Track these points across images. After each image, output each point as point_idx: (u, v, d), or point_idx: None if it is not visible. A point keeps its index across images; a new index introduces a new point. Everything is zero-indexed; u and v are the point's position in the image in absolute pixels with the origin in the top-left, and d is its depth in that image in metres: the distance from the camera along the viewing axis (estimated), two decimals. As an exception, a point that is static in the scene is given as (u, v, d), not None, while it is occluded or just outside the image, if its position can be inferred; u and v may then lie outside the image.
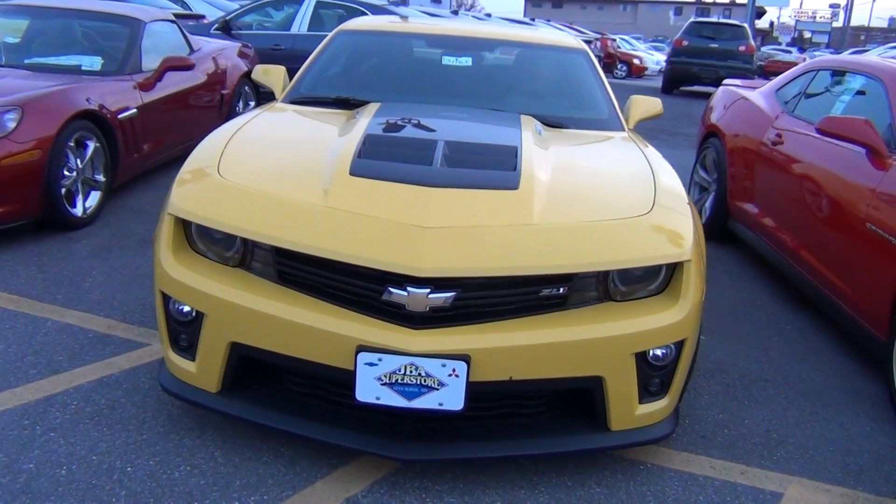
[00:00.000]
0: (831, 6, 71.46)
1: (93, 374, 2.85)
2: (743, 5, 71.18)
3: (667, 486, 2.44)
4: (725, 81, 5.87)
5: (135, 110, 4.96)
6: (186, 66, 5.54)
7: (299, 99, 3.54)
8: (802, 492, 2.47)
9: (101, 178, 4.63)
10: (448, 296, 2.17)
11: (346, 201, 2.33)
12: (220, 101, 6.40)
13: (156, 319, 2.55)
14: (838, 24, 65.55)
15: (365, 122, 2.92)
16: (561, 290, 2.29)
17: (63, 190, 4.27)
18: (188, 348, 2.47)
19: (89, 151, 4.49)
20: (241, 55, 7.12)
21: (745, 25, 16.66)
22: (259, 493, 2.26)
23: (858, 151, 3.53)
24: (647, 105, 3.78)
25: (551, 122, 3.32)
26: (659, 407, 2.44)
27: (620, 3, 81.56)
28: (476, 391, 2.19)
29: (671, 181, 2.77)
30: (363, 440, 2.28)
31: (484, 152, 2.69)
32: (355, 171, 2.44)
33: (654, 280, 2.41)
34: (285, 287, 2.31)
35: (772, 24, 68.72)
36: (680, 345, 2.40)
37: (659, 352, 2.37)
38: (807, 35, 72.03)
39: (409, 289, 2.16)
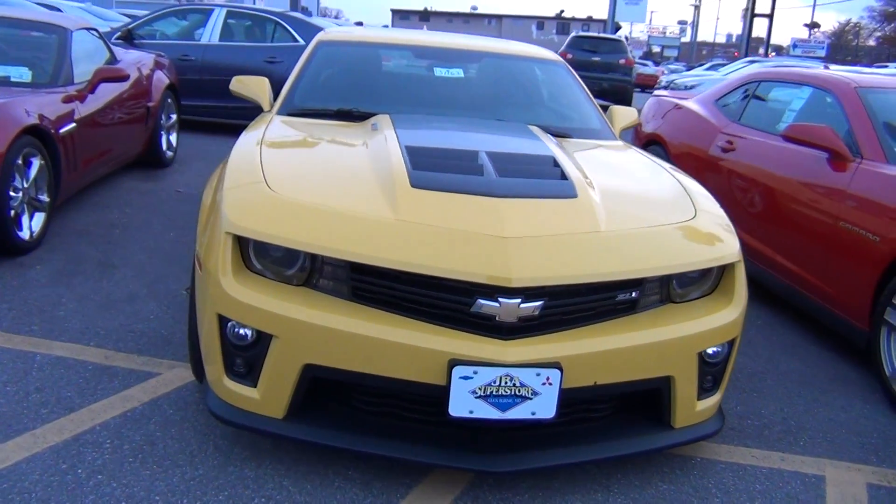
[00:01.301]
0: (680, 22, 76.46)
1: (113, 410, 2.64)
2: (599, 21, 74.93)
3: (723, 478, 2.55)
4: (656, 92, 6.18)
5: (74, 124, 4.62)
6: (121, 78, 5.23)
7: (296, 111, 3.43)
8: (840, 473, 2.65)
9: (44, 198, 4.28)
10: (537, 305, 2.18)
11: (416, 214, 2.29)
12: (146, 114, 6.06)
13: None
14: (686, 39, 70.30)
15: (391, 133, 2.87)
16: (633, 294, 2.36)
17: (11, 212, 3.92)
18: (247, 374, 2.34)
19: (34, 170, 4.14)
20: (158, 66, 6.77)
21: (623, 39, 17.56)
22: (348, 520, 2.18)
23: (820, 156, 3.83)
24: (627, 115, 3.94)
25: (554, 132, 3.39)
26: (712, 402, 2.56)
27: (485, 17, 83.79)
28: (565, 398, 2.21)
29: (697, 186, 2.90)
30: (447, 456, 2.25)
31: (526, 162, 2.72)
32: (416, 184, 2.41)
33: (707, 281, 2.52)
34: (360, 304, 2.24)
35: (626, 38, 72.70)
36: (731, 342, 2.53)
37: (715, 349, 2.48)
38: (655, 49, 76.62)
39: (500, 300, 2.15)
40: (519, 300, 2.15)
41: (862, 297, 3.36)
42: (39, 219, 4.25)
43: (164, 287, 3.82)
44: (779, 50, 40.45)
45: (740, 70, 19.51)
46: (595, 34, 17.17)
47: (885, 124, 3.76)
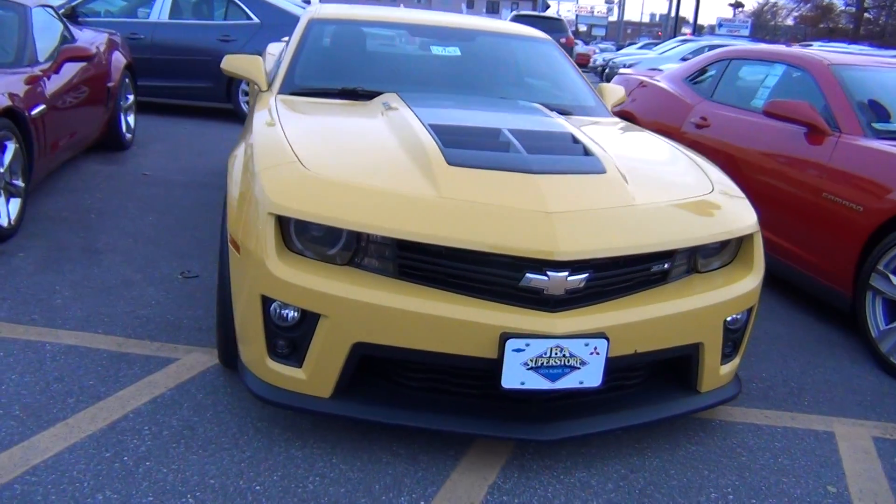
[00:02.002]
0: (607, 2, 77.58)
1: (141, 397, 2.60)
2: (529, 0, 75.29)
3: (744, 438, 2.68)
4: (621, 70, 6.31)
5: (44, 106, 4.44)
6: (86, 57, 5.04)
7: (299, 90, 3.39)
8: (846, 429, 2.82)
9: (19, 183, 4.11)
10: (582, 277, 2.25)
11: (459, 191, 2.32)
12: (107, 95, 5.86)
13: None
14: (613, 18, 71.46)
15: (408, 111, 2.89)
16: (665, 265, 2.45)
17: (-10, 198, 3.77)
18: (290, 355, 2.34)
19: (8, 154, 3.97)
20: (114, 45, 6.53)
21: (563, 19, 17.75)
22: (405, 494, 2.21)
23: (798, 131, 4.01)
24: (616, 92, 4.02)
25: (556, 110, 3.45)
26: (732, 367, 2.68)
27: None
28: (608, 367, 2.29)
29: (704, 160, 3.01)
30: (496, 426, 2.30)
31: (549, 139, 2.77)
32: (453, 161, 2.43)
33: (728, 251, 2.64)
34: (407, 282, 2.26)
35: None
36: (750, 309, 2.65)
37: (736, 316, 2.60)
38: (582, 28, 77.54)
39: (548, 273, 2.20)
40: (566, 273, 2.21)
41: (846, 265, 3.55)
42: (15, 205, 4.08)
43: (157, 272, 3.74)
44: (699, 30, 41.51)
45: (675, 49, 20.05)
46: (535, 13, 17.30)
47: (859, 100, 3.95)
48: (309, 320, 2.26)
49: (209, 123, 8.31)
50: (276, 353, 2.35)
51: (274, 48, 5.24)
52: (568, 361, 2.22)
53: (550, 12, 36.72)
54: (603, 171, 2.54)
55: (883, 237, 3.37)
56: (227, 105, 8.51)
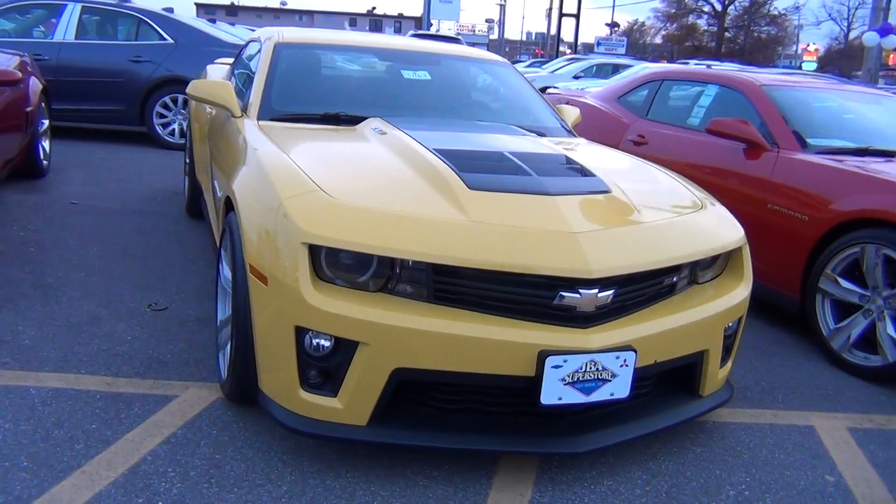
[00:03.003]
0: (487, 20, 79.53)
1: (152, 438, 2.49)
2: (411, 18, 76.10)
3: (740, 437, 2.86)
4: (549, 90, 6.54)
5: (-26, 134, 4.17)
6: (13, 81, 4.75)
7: (279, 116, 3.34)
8: (823, 421, 3.05)
9: (-45, 217, 3.84)
10: (610, 293, 2.35)
11: (486, 214, 2.38)
12: (26, 120, 5.53)
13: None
14: (494, 36, 73.28)
15: (405, 136, 2.93)
16: (674, 278, 2.59)
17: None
18: (323, 384, 2.33)
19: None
20: (25, 67, 6.17)
21: (461, 38, 18.10)
22: (452, 515, 2.23)
23: (738, 146, 4.31)
24: (571, 113, 4.19)
25: (530, 131, 3.56)
26: (726, 371, 2.85)
27: (296, 13, 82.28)
28: (634, 377, 2.39)
29: (684, 179, 3.20)
30: (532, 442, 2.37)
31: (548, 160, 2.88)
32: (473, 186, 2.49)
33: (720, 263, 2.81)
34: (442, 305, 2.29)
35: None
36: (741, 317, 2.84)
37: (730, 324, 2.77)
38: (465, 46, 78.84)
39: (580, 291, 2.29)
40: (597, 290, 2.31)
41: (794, 271, 3.84)
42: (-47, 240, 3.80)
43: (122, 306, 3.58)
44: (575, 49, 43.50)
45: (565, 67, 20.84)
46: (433, 33, 17.56)
47: (791, 117, 4.29)
48: (345, 349, 2.25)
49: (123, 148, 7.96)
50: (309, 384, 2.33)
51: (216, 71, 5.12)
52: (600, 375, 2.31)
53: (432, 31, 37.25)
54: (609, 191, 2.66)
55: (828, 244, 3.67)
56: (139, 128, 8.19)
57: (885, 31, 18.96)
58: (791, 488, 2.53)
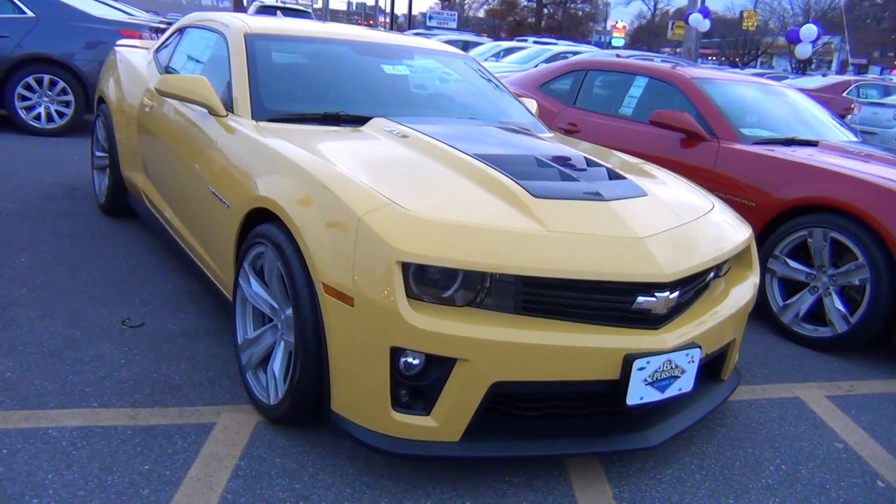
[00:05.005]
0: (312, -11, 77.52)
1: (219, 473, 2.33)
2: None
3: (750, 413, 3.11)
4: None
5: None
6: None
7: (276, 117, 3.15)
8: (805, 392, 3.39)
9: None
10: (678, 294, 2.48)
11: (559, 224, 2.41)
12: None
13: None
14: (318, 5, 71.77)
15: (430, 140, 2.89)
16: (712, 274, 2.76)
17: None
18: (413, 403, 2.28)
19: None
20: None
21: (309, 11, 17.60)
22: (555, 521, 2.28)
23: (675, 136, 4.60)
24: (532, 106, 4.27)
25: (520, 128, 3.61)
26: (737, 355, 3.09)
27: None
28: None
29: (680, 177, 3.38)
30: (612, 441, 2.45)
31: (577, 163, 2.94)
32: (537, 194, 2.51)
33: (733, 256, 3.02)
34: (530, 316, 2.31)
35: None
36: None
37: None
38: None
39: (656, 294, 2.40)
40: (668, 292, 2.43)
41: (741, 252, 4.18)
42: None
43: (92, 325, 3.26)
44: (395, 22, 43.67)
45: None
46: (281, 4, 16.90)
47: (724, 109, 4.64)
48: (441, 366, 2.22)
49: (-21, 135, 7.09)
50: (400, 404, 2.27)
51: (135, 57, 4.68)
52: (673, 372, 2.44)
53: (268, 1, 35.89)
54: (646, 194, 2.78)
55: (775, 228, 4.04)
56: (-2, 112, 7.33)
57: (705, 13, 20.71)
58: (814, 458, 2.81)
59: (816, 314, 3.94)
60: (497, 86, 4.11)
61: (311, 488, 2.30)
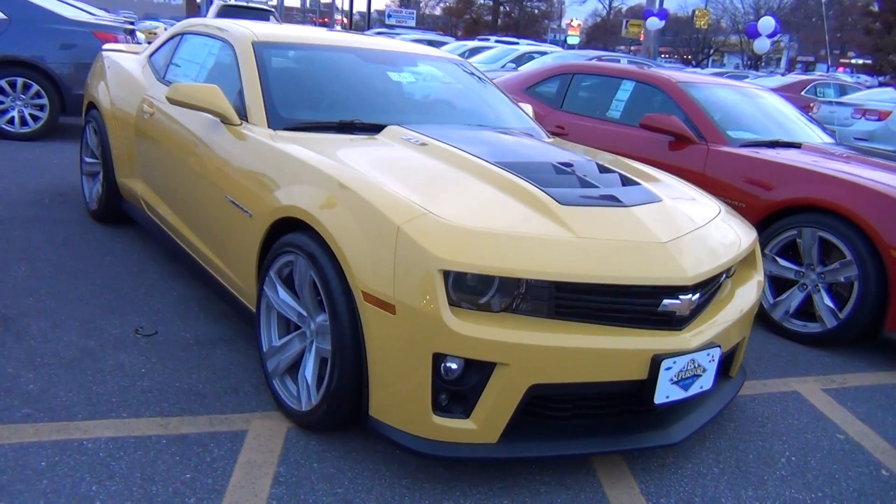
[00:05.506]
0: (267, -13, 76.72)
1: (261, 481, 2.36)
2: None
3: (754, 408, 3.24)
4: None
5: None
6: None
7: (292, 125, 3.18)
8: (802, 386, 3.54)
9: None
10: (699, 296, 2.58)
11: (587, 230, 2.50)
12: None
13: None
14: (274, 2, 71.03)
15: (450, 148, 2.95)
16: (725, 275, 2.88)
17: None
18: (452, 407, 2.35)
19: None
20: None
21: (272, 10, 17.45)
22: (592, 517, 2.37)
23: (664, 139, 4.74)
24: (528, 110, 4.36)
25: (524, 134, 3.68)
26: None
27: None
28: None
29: (682, 180, 3.50)
30: (639, 439, 2.55)
31: (592, 169, 3.03)
32: (564, 201, 2.59)
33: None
34: (564, 320, 2.39)
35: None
36: (752, 302, 3.20)
37: (754, 308, 3.13)
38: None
39: (680, 297, 2.50)
40: (691, 294, 2.53)
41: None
42: None
43: (106, 334, 3.25)
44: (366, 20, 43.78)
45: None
46: (245, 3, 16.73)
47: (710, 113, 4.78)
48: (480, 370, 2.29)
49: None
50: (440, 408, 2.33)
51: (127, 62, 4.64)
52: (696, 371, 2.54)
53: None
54: (660, 199, 2.88)
55: (764, 228, 4.19)
56: (-33, 116, 7.15)
57: (662, 16, 21.15)
58: (819, 450, 2.95)
59: (805, 310, 4.10)
60: (497, 91, 4.19)
61: (353, 492, 2.35)
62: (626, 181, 2.99)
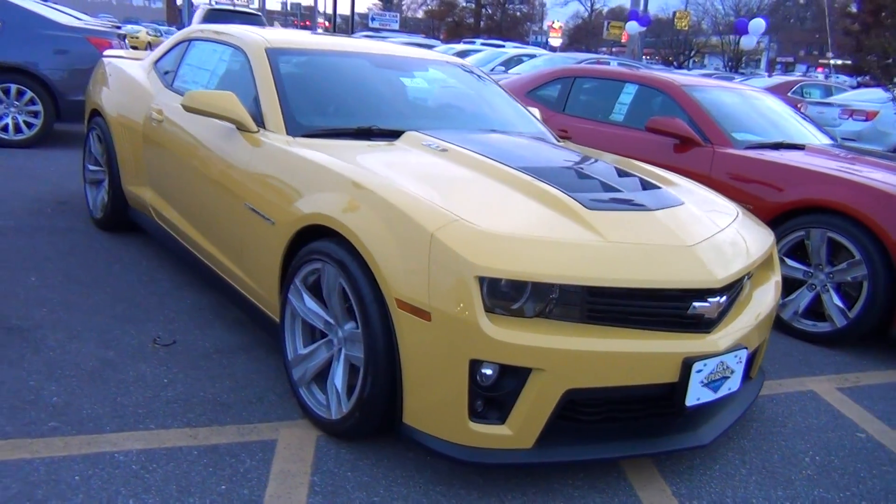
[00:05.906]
0: (249, -10, 76.36)
1: (297, 491, 2.35)
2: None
3: (774, 408, 3.27)
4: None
5: None
6: None
7: (310, 132, 3.17)
8: (818, 386, 3.57)
9: None
10: (726, 298, 2.60)
11: (617, 234, 2.51)
12: None
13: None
14: (255, 5, 70.80)
15: (472, 154, 2.96)
16: (747, 277, 2.90)
17: None
18: (488, 413, 2.35)
19: None
20: None
21: (260, 14, 17.40)
22: (628, 520, 2.38)
23: (668, 142, 4.77)
24: (537, 114, 4.37)
25: (540, 140, 3.69)
26: (760, 352, 3.25)
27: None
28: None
29: (696, 183, 3.52)
30: (669, 442, 2.56)
31: (612, 173, 3.05)
32: (591, 206, 2.60)
33: (757, 258, 3.18)
34: (596, 324, 2.40)
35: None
36: (770, 303, 3.23)
37: (770, 308, 3.16)
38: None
39: (709, 300, 2.52)
40: (718, 297, 2.55)
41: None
42: None
43: (124, 344, 3.22)
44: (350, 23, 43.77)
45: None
46: (232, 8, 16.66)
47: (714, 115, 4.82)
48: (516, 375, 2.29)
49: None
50: (475, 414, 2.33)
51: (132, 69, 4.60)
52: (724, 373, 2.56)
53: (201, 3, 35.21)
54: (682, 203, 2.90)
55: (777, 227, 4.23)
56: (-40, 124, 7.06)
57: (644, 22, 21.31)
58: (842, 448, 2.98)
59: (814, 310, 4.14)
60: (506, 95, 4.20)
61: (389, 500, 2.34)
62: (645, 185, 3.01)
